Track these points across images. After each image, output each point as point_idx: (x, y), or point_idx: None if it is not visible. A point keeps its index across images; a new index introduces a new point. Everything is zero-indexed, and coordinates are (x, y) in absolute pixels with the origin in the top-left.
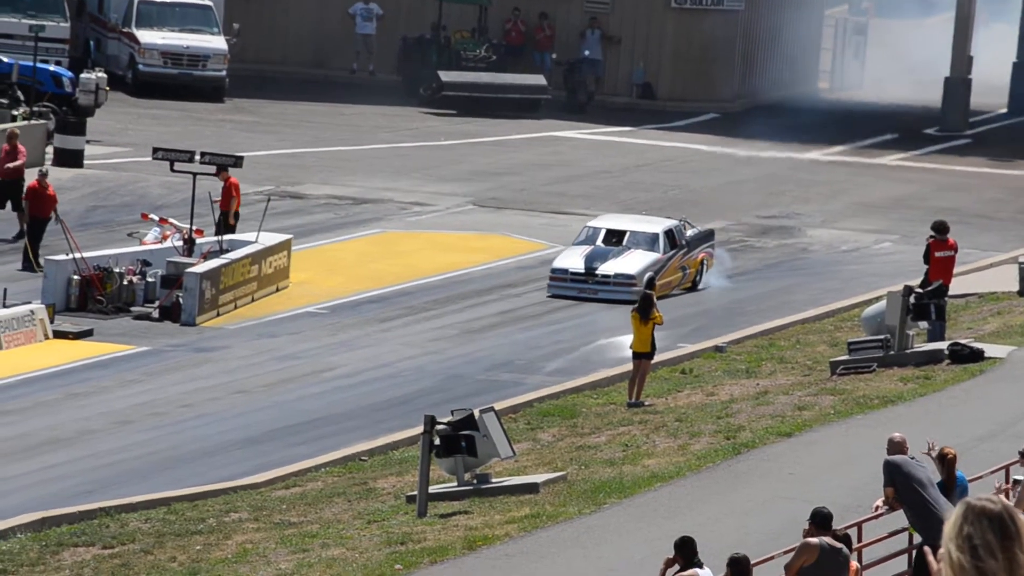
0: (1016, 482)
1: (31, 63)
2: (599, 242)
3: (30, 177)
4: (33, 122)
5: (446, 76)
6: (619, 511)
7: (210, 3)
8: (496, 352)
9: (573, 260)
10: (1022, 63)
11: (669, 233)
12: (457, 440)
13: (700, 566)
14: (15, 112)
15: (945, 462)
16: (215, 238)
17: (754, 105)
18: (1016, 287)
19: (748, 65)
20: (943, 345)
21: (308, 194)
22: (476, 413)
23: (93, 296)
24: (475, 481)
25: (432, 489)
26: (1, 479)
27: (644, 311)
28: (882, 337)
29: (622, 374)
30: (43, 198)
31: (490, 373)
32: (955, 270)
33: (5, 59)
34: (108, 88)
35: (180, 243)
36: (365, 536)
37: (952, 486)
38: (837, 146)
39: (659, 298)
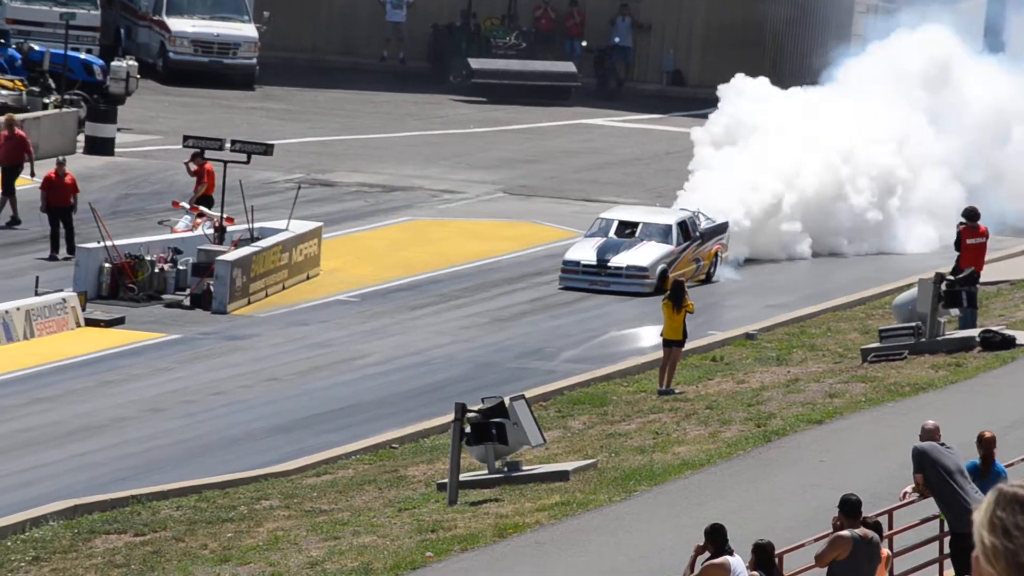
0: None
1: (62, 51)
2: (611, 234)
3: (50, 166)
4: (64, 110)
5: (476, 64)
6: (649, 498)
7: None
8: (526, 340)
9: (585, 252)
10: None
11: (682, 225)
12: (488, 428)
13: (731, 553)
14: (46, 100)
15: (983, 443)
16: (244, 226)
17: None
18: None
19: (779, 51)
20: (974, 332)
21: (338, 182)
22: (506, 401)
23: (124, 284)
24: (505, 469)
25: (463, 477)
26: (34, 466)
27: (676, 299)
28: (913, 324)
29: (652, 362)
30: (60, 187)
31: (520, 361)
32: (987, 257)
33: (36, 47)
34: (139, 76)
35: (211, 231)
36: (396, 524)
37: (989, 468)
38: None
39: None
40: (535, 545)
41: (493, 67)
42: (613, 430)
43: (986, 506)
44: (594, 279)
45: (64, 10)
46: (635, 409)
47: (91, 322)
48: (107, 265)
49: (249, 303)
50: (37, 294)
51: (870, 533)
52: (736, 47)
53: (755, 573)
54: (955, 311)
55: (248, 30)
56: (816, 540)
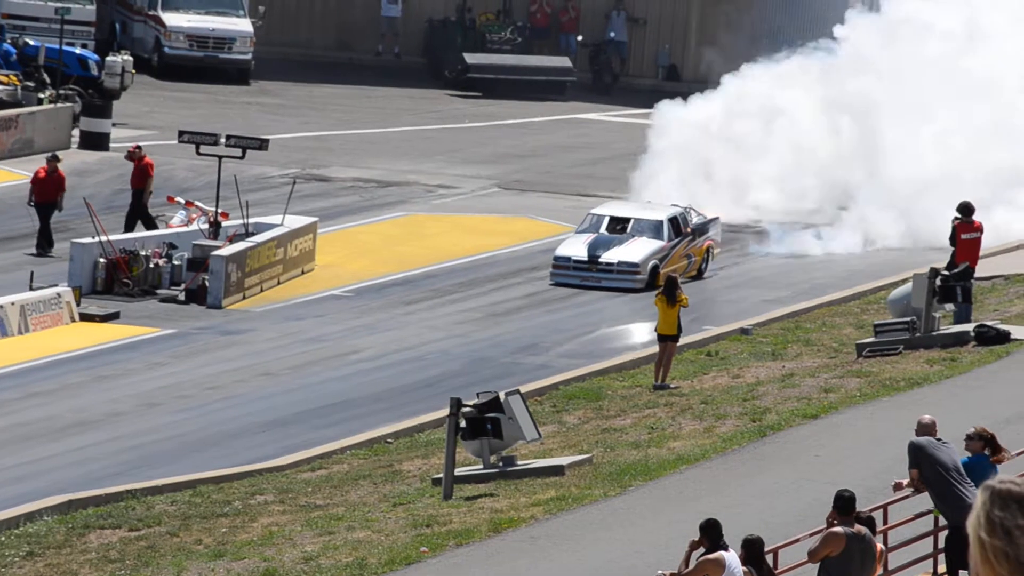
0: None
1: (57, 46)
2: (603, 229)
3: (40, 162)
4: (59, 105)
5: (471, 58)
6: (644, 493)
7: None
8: (521, 335)
9: (576, 248)
10: None
11: (674, 220)
12: (483, 422)
13: (726, 548)
14: (41, 95)
15: (984, 438)
16: (239, 221)
17: None
18: None
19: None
20: (969, 327)
21: (333, 177)
22: (502, 396)
23: (119, 279)
24: (501, 464)
25: (458, 471)
26: (28, 461)
27: (670, 294)
28: (908, 319)
29: (647, 357)
30: (47, 183)
31: (515, 356)
32: (981, 251)
33: (32, 42)
34: (134, 71)
35: (206, 226)
36: (391, 519)
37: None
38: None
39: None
40: (530, 540)
41: (488, 62)
42: (608, 425)
43: (980, 505)
44: (585, 275)
45: (59, 5)
46: (630, 404)
47: (86, 317)
48: (102, 260)
49: (244, 298)
50: (32, 289)
51: (863, 530)
52: (731, 43)
53: (747, 568)
54: (950, 306)
55: (243, 25)
56: (811, 535)
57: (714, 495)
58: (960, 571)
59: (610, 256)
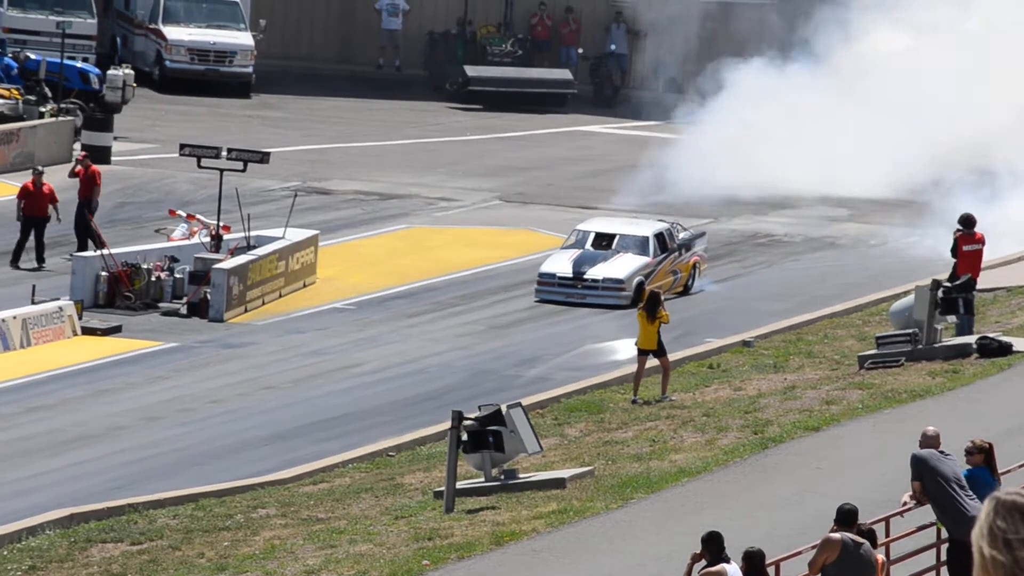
0: None
1: (59, 60)
2: (588, 246)
3: (26, 176)
4: (60, 119)
5: (472, 71)
6: (646, 506)
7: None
8: (523, 348)
9: (561, 264)
10: None
11: (660, 236)
12: (484, 435)
13: (727, 561)
14: (42, 109)
15: (983, 450)
16: (241, 234)
17: None
18: None
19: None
20: (971, 339)
21: (335, 190)
22: (503, 408)
23: (121, 292)
24: (502, 476)
25: (459, 485)
26: (30, 475)
27: (651, 309)
28: (910, 331)
29: (650, 370)
30: (37, 197)
31: (517, 368)
32: (983, 264)
33: (33, 56)
34: (135, 84)
35: (208, 239)
36: (392, 532)
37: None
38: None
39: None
40: (532, 553)
41: (489, 75)
42: (610, 437)
43: (984, 516)
44: (570, 291)
45: (60, 19)
46: (632, 417)
47: (88, 330)
48: (104, 274)
49: (246, 311)
50: (34, 302)
51: (861, 539)
52: (732, 55)
53: None
54: (952, 318)
55: (244, 38)
56: (811, 547)
57: (716, 508)
58: None
59: (595, 272)
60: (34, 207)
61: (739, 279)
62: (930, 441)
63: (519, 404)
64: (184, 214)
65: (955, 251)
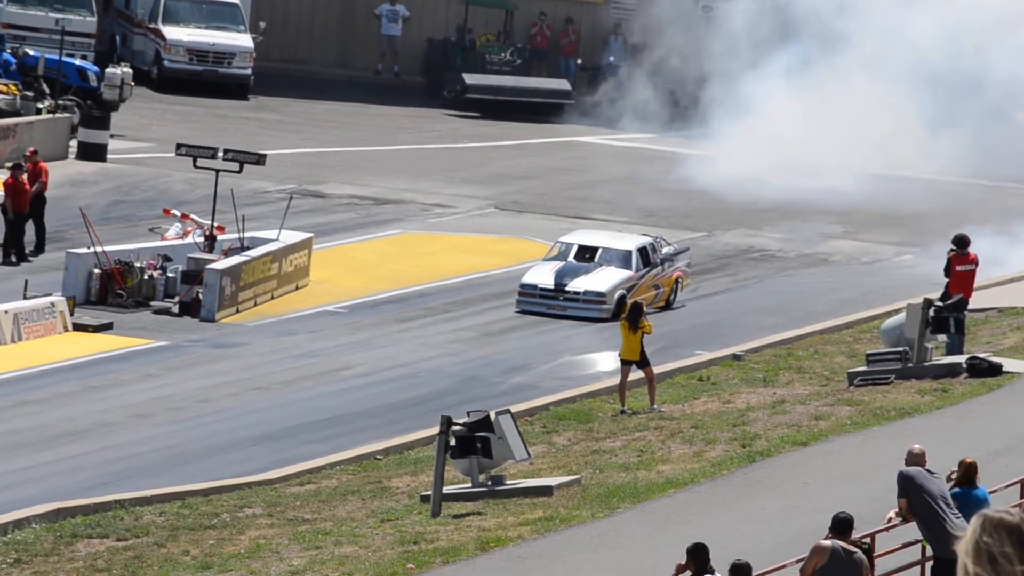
0: None
1: (57, 57)
2: (571, 258)
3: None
4: (58, 115)
5: (470, 79)
6: (632, 516)
7: (237, 1)
8: (514, 355)
9: (543, 276)
10: None
11: (643, 250)
12: (473, 441)
13: (712, 573)
14: (40, 105)
15: (962, 468)
16: (235, 235)
17: None
18: None
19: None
20: (962, 359)
21: (330, 193)
22: (492, 415)
23: (113, 290)
24: (489, 483)
25: (446, 489)
26: (18, 469)
27: (633, 320)
28: (901, 349)
29: (638, 380)
30: (21, 193)
31: (507, 375)
32: (975, 284)
33: (32, 52)
34: (133, 83)
35: (201, 239)
36: (378, 535)
37: (970, 494)
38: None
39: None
40: (517, 560)
41: (487, 83)
42: (598, 447)
43: (971, 532)
44: (551, 303)
45: (60, 16)
46: (620, 426)
47: (79, 327)
48: (96, 271)
49: (238, 312)
50: (26, 297)
51: (852, 548)
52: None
53: None
54: (943, 337)
55: (244, 40)
56: (798, 561)
57: (702, 519)
58: None
59: (577, 285)
60: (18, 203)
61: (731, 293)
62: (916, 459)
63: (508, 411)
64: (179, 213)
65: (948, 270)
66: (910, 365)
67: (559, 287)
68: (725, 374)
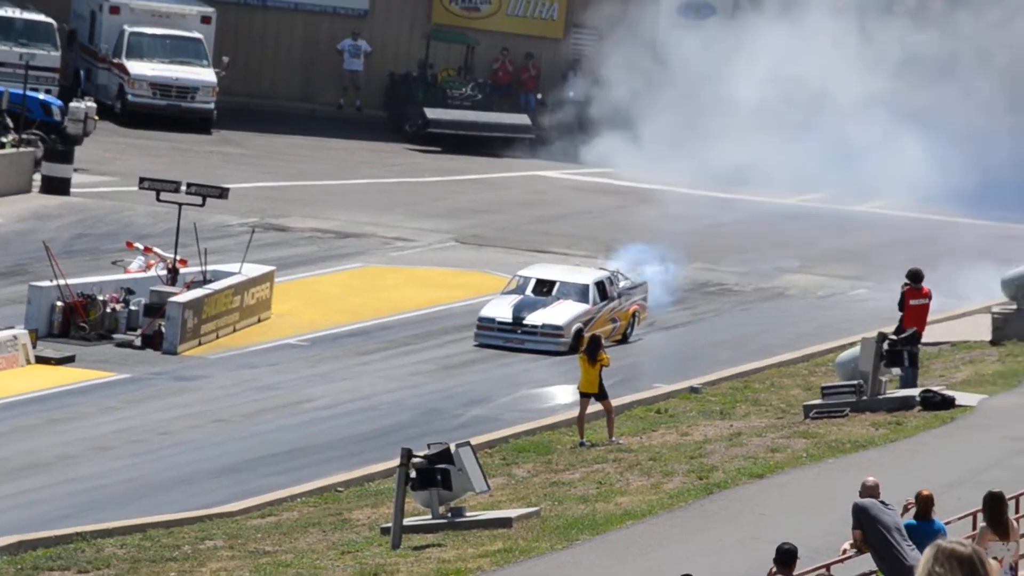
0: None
1: (21, 91)
2: (529, 291)
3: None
4: (21, 149)
5: (432, 113)
6: (591, 547)
7: (200, 36)
8: (474, 388)
9: (501, 309)
10: None
11: (600, 284)
12: (433, 473)
13: None
14: (4, 139)
15: (919, 501)
16: (198, 268)
17: None
18: (988, 336)
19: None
20: (915, 392)
21: (292, 227)
22: (452, 447)
23: (76, 323)
24: (449, 514)
25: (407, 521)
26: None
27: (592, 353)
28: (855, 382)
29: (597, 413)
30: None
31: (467, 408)
32: (929, 318)
33: None
34: (97, 117)
35: (164, 272)
36: (339, 567)
37: (927, 527)
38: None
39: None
40: None
41: (448, 117)
42: (557, 479)
43: (924, 562)
44: (509, 336)
45: (24, 51)
46: (579, 458)
47: (41, 359)
48: (59, 303)
49: (200, 344)
50: None
51: None
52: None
53: None
54: (896, 370)
55: (207, 75)
56: None
57: (660, 551)
58: None
59: (534, 319)
60: None
61: (689, 326)
62: (870, 491)
63: (468, 443)
64: (141, 247)
65: (902, 304)
66: (864, 398)
67: (517, 320)
68: (683, 406)
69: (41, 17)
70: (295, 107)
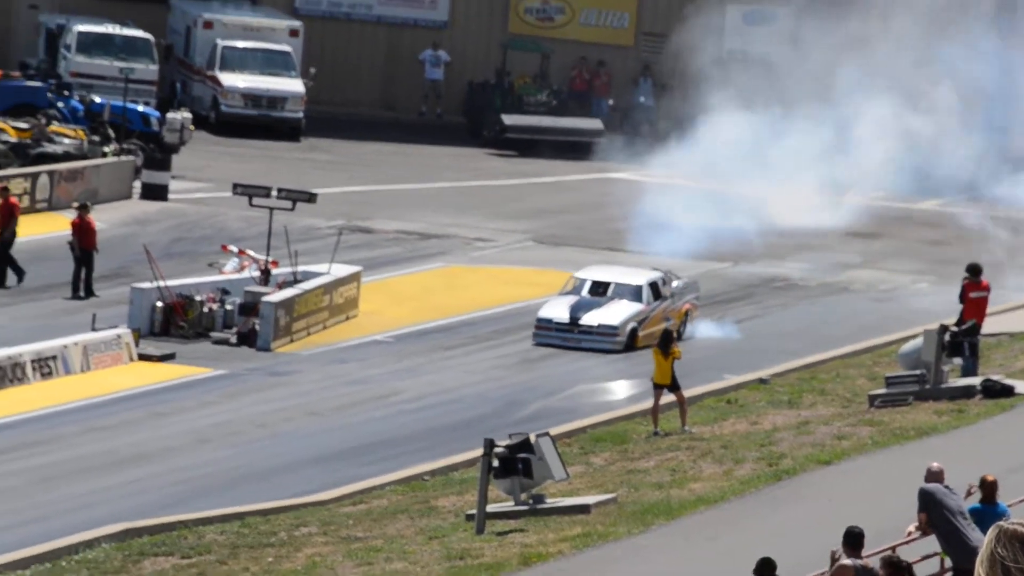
0: None
1: (121, 103)
2: (585, 292)
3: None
4: (122, 158)
5: (509, 119)
6: (666, 532)
7: (289, 48)
8: (552, 380)
9: (558, 310)
10: None
11: (653, 285)
12: (514, 462)
13: None
14: (106, 149)
15: (985, 486)
16: (289, 269)
17: None
18: None
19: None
20: (976, 380)
21: (377, 229)
22: (532, 437)
23: (175, 322)
24: (531, 501)
25: (490, 508)
26: (88, 492)
27: (665, 346)
28: (918, 372)
29: (671, 403)
30: (88, 231)
31: (546, 400)
32: (988, 310)
33: (98, 99)
34: (192, 127)
35: (257, 273)
36: (426, 551)
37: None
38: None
39: (643, 347)
40: (558, 573)
41: (524, 123)
42: (633, 466)
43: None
44: (566, 336)
45: (124, 65)
46: (654, 447)
47: (144, 357)
48: (159, 304)
49: (292, 341)
50: (94, 330)
51: (871, 564)
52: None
53: None
54: (958, 360)
55: (295, 85)
56: (819, 575)
57: (731, 534)
58: None
59: (590, 319)
60: (82, 241)
61: (756, 320)
62: (935, 476)
63: (547, 433)
64: (236, 249)
65: (962, 297)
66: (927, 387)
67: (574, 320)
68: (752, 397)
69: (140, 33)
70: (379, 115)
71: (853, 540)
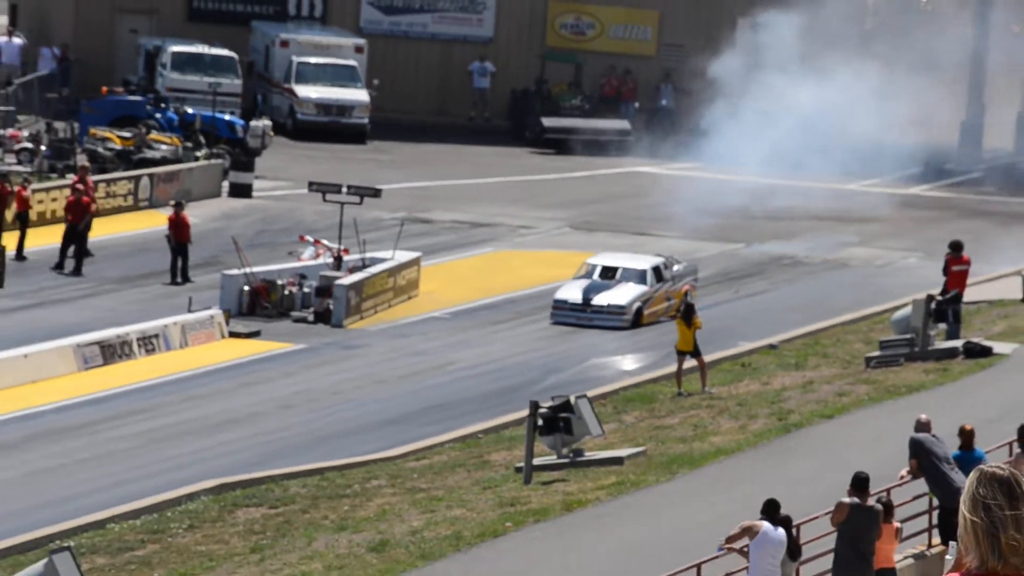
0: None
1: (211, 113)
2: (596, 276)
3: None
4: (212, 161)
5: (547, 121)
6: (690, 479)
7: (355, 63)
8: (588, 350)
9: (572, 292)
10: None
11: (656, 269)
12: (556, 421)
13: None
14: (198, 154)
15: (963, 435)
16: (358, 255)
17: None
18: (1019, 295)
19: None
20: (959, 343)
21: (435, 219)
22: (572, 399)
23: (260, 303)
24: (571, 455)
25: (536, 461)
26: (187, 452)
27: (687, 317)
28: (908, 336)
29: (693, 367)
30: (182, 226)
31: (583, 367)
32: (968, 281)
33: (190, 110)
34: (272, 134)
35: (330, 260)
36: (481, 499)
37: (969, 456)
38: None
39: (648, 324)
40: (596, 518)
41: (561, 124)
42: (660, 423)
43: (969, 485)
44: (579, 315)
45: (213, 80)
46: (678, 406)
47: (233, 334)
48: (246, 288)
49: (361, 319)
50: (190, 311)
51: (870, 502)
52: None
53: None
54: (943, 325)
55: (361, 95)
56: (826, 514)
57: (748, 482)
58: (950, 542)
59: (601, 299)
60: (178, 234)
61: (767, 294)
62: (924, 427)
63: (585, 395)
64: (312, 239)
65: (945, 270)
66: (916, 349)
67: (586, 301)
68: (763, 361)
69: (225, 52)
70: (434, 120)
71: (860, 484)
